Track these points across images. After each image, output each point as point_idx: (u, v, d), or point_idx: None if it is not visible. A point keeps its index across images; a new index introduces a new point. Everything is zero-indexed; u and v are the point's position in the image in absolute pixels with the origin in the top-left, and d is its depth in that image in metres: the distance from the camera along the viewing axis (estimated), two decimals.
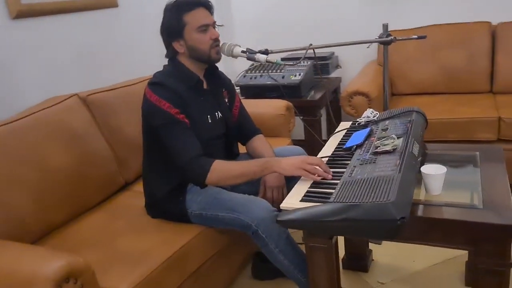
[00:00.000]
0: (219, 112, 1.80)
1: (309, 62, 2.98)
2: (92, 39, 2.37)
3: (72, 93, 2.03)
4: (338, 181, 1.41)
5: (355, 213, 1.20)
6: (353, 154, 1.59)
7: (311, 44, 1.77)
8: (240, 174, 1.57)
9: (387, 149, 1.50)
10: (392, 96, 3.14)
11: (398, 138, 1.57)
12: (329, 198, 1.32)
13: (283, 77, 2.84)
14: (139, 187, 2.09)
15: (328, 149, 1.73)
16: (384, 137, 1.62)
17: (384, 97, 2.18)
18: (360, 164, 1.46)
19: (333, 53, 3.35)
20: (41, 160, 1.72)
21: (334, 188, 1.37)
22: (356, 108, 2.76)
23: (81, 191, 1.85)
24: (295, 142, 2.42)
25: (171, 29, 1.64)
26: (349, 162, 1.55)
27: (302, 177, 1.48)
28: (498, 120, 2.48)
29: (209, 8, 1.68)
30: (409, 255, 2.10)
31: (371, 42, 2.05)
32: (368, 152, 1.55)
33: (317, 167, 1.46)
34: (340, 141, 1.78)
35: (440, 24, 3.04)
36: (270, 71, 2.94)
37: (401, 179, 1.28)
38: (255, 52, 1.63)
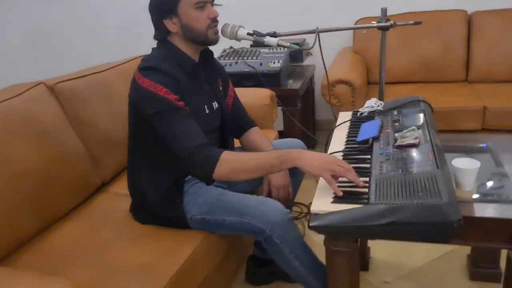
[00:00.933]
0: (215, 102, 1.61)
1: (284, 49, 2.82)
2: (47, 19, 2.06)
3: (33, 81, 1.74)
4: (367, 179, 1.28)
5: (404, 216, 1.06)
6: (370, 148, 1.46)
7: (317, 28, 1.61)
8: (255, 167, 1.35)
9: (411, 142, 1.38)
10: (369, 85, 3.06)
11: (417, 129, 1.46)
12: (364, 199, 1.18)
13: (261, 64, 2.67)
14: (118, 188, 1.85)
15: (337, 143, 1.59)
16: (403, 129, 1.51)
17: (380, 86, 2.08)
18: (387, 160, 1.33)
19: (304, 40, 3.22)
20: (5, 161, 1.44)
21: (367, 187, 1.24)
22: (338, 98, 2.66)
23: (53, 195, 1.58)
24: None
25: (163, 4, 1.41)
26: (367, 156, 1.42)
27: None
28: (483, 109, 2.47)
29: None
30: (405, 250, 2.02)
31: (370, 27, 1.92)
32: (389, 145, 1.42)
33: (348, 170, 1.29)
34: (348, 134, 1.64)
35: (415, 12, 3.00)
36: (245, 57, 2.75)
37: (443, 176, 1.16)
38: (264, 35, 1.44)
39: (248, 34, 1.46)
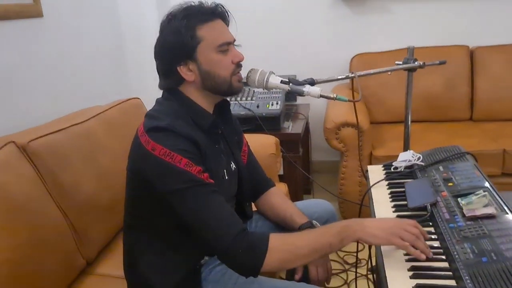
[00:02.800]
0: (233, 164, 1.31)
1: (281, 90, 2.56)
2: (8, 58, 1.72)
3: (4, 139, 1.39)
4: (446, 264, 1.01)
5: None
6: (430, 218, 1.20)
7: (352, 73, 1.36)
8: (311, 250, 1.08)
9: (489, 212, 1.13)
10: (370, 125, 2.84)
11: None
12: None
13: (258, 107, 2.40)
14: (107, 269, 1.51)
15: (381, 209, 1.32)
16: (462, 191, 1.26)
17: (405, 132, 1.84)
18: (465, 237, 1.06)
19: (295, 76, 2.99)
20: None
21: (454, 277, 0.96)
22: (344, 142, 2.41)
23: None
24: None
25: (179, 47, 1.12)
26: (431, 229, 1.16)
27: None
28: (503, 153, 2.29)
29: (227, 20, 1.20)
30: None
31: (397, 69, 1.70)
32: (456, 215, 1.16)
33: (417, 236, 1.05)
34: (391, 197, 1.38)
35: (417, 47, 2.83)
36: (239, 99, 2.48)
37: None
38: (302, 83, 1.18)
39: (283, 82, 1.19)
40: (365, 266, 2.11)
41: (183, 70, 1.15)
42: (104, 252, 1.58)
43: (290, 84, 1.19)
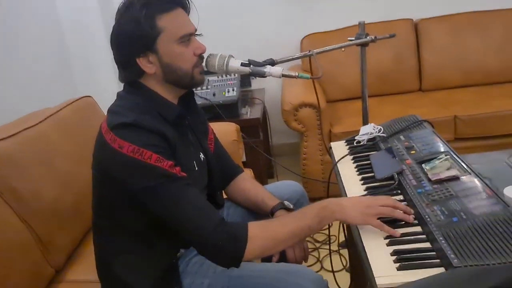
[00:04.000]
0: (201, 154, 1.29)
1: (236, 75, 2.55)
2: None
3: None
4: (419, 228, 1.04)
5: (504, 280, 0.83)
6: (399, 187, 1.24)
7: (310, 51, 1.37)
8: (290, 234, 1.08)
9: (453, 174, 1.17)
10: (326, 103, 2.88)
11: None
12: (433, 258, 0.94)
13: (214, 95, 2.37)
14: (77, 274, 1.45)
15: (350, 184, 1.34)
16: (425, 157, 1.30)
17: (363, 107, 1.88)
18: (434, 201, 1.10)
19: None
20: None
21: (428, 240, 0.99)
22: (303, 122, 2.43)
23: None
24: None
25: (138, 38, 1.07)
26: (400, 198, 1.19)
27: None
28: (454, 119, 2.38)
29: (187, 9, 1.16)
30: None
31: (351, 44, 1.72)
32: (423, 181, 1.20)
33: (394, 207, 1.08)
34: (358, 171, 1.40)
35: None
36: (195, 89, 2.43)
37: None
38: (263, 64, 1.16)
39: (243, 64, 1.17)
40: (336, 242, 2.15)
41: (142, 62, 1.10)
42: (73, 258, 1.52)
43: (251, 66, 1.17)
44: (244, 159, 2.43)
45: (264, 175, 2.53)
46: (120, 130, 1.05)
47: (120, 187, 1.06)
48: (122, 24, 1.08)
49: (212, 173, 1.34)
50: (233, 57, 1.19)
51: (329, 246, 1.78)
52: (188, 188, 1.07)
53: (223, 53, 1.19)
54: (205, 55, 1.17)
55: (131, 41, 1.08)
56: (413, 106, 2.56)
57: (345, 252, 2.09)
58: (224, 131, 2.05)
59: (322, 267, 2.06)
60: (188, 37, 1.11)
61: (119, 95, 1.17)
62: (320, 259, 2.11)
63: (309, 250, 2.19)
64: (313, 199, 2.53)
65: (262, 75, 1.18)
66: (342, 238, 2.17)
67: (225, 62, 1.18)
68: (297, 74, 1.19)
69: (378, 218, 1.05)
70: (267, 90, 2.97)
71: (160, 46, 1.09)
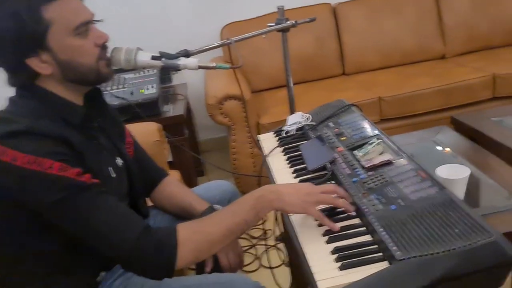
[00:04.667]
0: (119, 158, 1.14)
1: (154, 71, 2.39)
2: None
3: None
4: (358, 220, 0.98)
5: (453, 269, 0.78)
6: (332, 177, 1.17)
7: (228, 39, 1.26)
8: (226, 232, 0.97)
9: (386, 158, 1.13)
10: (252, 94, 2.80)
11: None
12: (375, 251, 0.88)
13: (132, 93, 2.20)
14: None
15: (281, 178, 1.26)
16: (356, 143, 1.25)
17: (289, 95, 1.81)
18: (370, 189, 1.04)
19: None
20: None
21: (368, 232, 0.93)
22: (229, 116, 2.33)
23: None
24: None
25: (21, 36, 0.90)
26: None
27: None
28: (378, 100, 2.39)
29: None
30: None
31: (271, 30, 1.63)
32: (356, 168, 1.14)
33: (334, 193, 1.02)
34: (289, 163, 1.33)
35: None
36: (109, 88, 2.25)
37: (458, 200, 0.92)
38: (176, 56, 1.04)
39: (154, 58, 1.04)
40: (272, 237, 2.09)
41: (34, 63, 0.93)
42: None
43: (163, 59, 1.04)
44: (170, 159, 2.30)
45: (193, 175, 2.41)
46: (10, 140, 0.88)
47: (19, 207, 0.90)
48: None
49: (133, 179, 1.20)
50: (142, 50, 1.06)
51: (265, 242, 1.70)
52: (102, 196, 0.93)
53: (130, 47, 1.05)
54: (109, 49, 1.02)
55: (14, 40, 0.90)
56: (338, 90, 2.55)
57: (283, 245, 2.03)
58: (145, 132, 1.90)
59: (260, 265, 1.98)
60: (85, 27, 0.96)
61: (11, 100, 0.99)
62: (258, 256, 2.03)
63: (245, 247, 2.11)
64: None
65: (177, 68, 1.05)
66: (278, 231, 2.11)
67: (133, 56, 1.04)
68: (215, 65, 1.08)
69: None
70: (189, 84, 2.82)
71: (52, 42, 0.92)
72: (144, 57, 1.04)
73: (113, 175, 1.07)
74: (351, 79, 2.79)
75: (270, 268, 1.64)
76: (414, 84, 2.45)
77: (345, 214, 1.01)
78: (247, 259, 2.05)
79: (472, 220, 0.84)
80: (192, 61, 1.06)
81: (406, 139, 1.57)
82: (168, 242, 0.92)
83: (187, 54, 1.07)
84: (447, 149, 1.44)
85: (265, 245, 2.08)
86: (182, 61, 1.05)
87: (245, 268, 1.98)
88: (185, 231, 0.95)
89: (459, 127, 1.68)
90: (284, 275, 1.80)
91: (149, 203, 1.37)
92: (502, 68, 2.47)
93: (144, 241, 0.91)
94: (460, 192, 1.10)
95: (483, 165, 1.26)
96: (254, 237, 2.15)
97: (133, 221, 0.94)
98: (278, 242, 2.07)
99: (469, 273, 0.78)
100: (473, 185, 1.13)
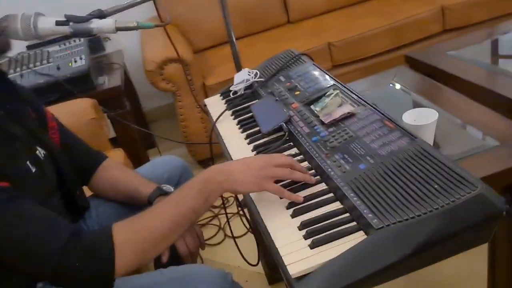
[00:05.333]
0: (40, 149, 0.97)
1: (82, 40, 2.14)
2: None
3: None
4: (324, 185, 0.87)
5: (439, 230, 0.68)
6: (290, 138, 1.05)
7: None
8: (172, 226, 0.83)
9: (348, 111, 1.01)
10: (194, 55, 2.60)
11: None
12: (347, 221, 0.77)
13: (58, 68, 1.96)
14: None
15: (234, 145, 1.12)
16: (312, 97, 1.12)
17: (233, 51, 1.64)
18: (333, 148, 0.93)
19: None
20: None
21: (337, 198, 0.82)
22: (172, 80, 2.14)
23: None
24: None
25: None
26: (294, 151, 1.00)
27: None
28: (328, 46, 2.26)
29: None
30: None
31: None
32: (315, 126, 1.02)
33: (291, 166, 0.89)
34: (240, 128, 1.19)
35: None
36: (31, 65, 1.99)
37: (433, 150, 0.81)
38: (88, 18, 0.85)
39: (59, 23, 0.84)
40: (235, 203, 1.98)
41: None
42: None
43: (71, 23, 0.85)
44: (113, 135, 2.11)
45: (142, 149, 2.23)
46: None
47: None
48: None
49: (62, 170, 1.03)
50: (43, 15, 0.86)
51: (225, 211, 1.57)
52: (14, 202, 0.77)
53: (26, 12, 0.85)
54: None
55: None
56: (285, 40, 2.41)
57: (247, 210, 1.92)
58: (78, 111, 1.70)
59: (225, 236, 1.87)
60: None
61: None
62: (222, 227, 1.92)
63: (207, 219, 1.99)
64: (203, 163, 2.33)
65: (90, 33, 0.87)
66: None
67: (32, 23, 0.84)
68: (136, 24, 0.90)
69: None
70: (125, 51, 2.58)
71: None
72: (46, 24, 0.85)
73: (33, 169, 0.89)
74: (297, 26, 2.64)
75: (233, 238, 1.52)
76: (363, 25, 2.34)
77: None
78: (211, 231, 1.94)
79: (452, 172, 0.74)
80: (107, 22, 0.87)
81: (363, 86, 1.45)
82: (102, 248, 0.78)
83: (101, 14, 0.88)
84: (408, 92, 1.34)
85: (228, 213, 1.97)
86: (95, 23, 0.86)
87: (210, 241, 1.87)
88: (122, 231, 0.81)
89: (414, 65, 1.58)
90: (251, 242, 1.70)
91: (89, 192, 1.22)
92: None
93: (73, 250, 0.76)
94: (429, 138, 1.01)
95: (448, 105, 1.17)
96: (215, 207, 2.04)
97: (57, 228, 0.78)
98: (240, 208, 1.96)
99: (455, 234, 0.69)
100: (441, 128, 1.04)
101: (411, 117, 1.00)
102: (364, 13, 2.52)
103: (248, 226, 1.84)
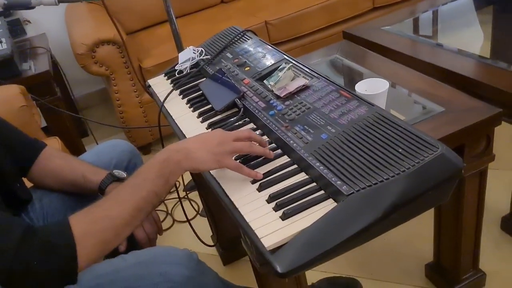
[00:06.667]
0: None
1: (0, 22, 1.97)
2: None
3: None
4: (286, 157, 0.86)
5: (408, 191, 0.70)
6: (246, 114, 1.03)
7: None
8: (133, 211, 0.79)
9: (302, 83, 1.00)
10: (128, 36, 2.49)
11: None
12: (317, 190, 0.77)
13: None
14: None
15: (187, 126, 1.08)
16: (263, 72, 1.11)
17: (173, 30, 1.58)
18: (292, 120, 0.92)
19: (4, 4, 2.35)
20: None
21: (302, 169, 0.82)
22: (105, 64, 2.03)
23: None
24: None
25: None
26: (251, 126, 0.99)
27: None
28: (265, 25, 2.25)
29: None
30: None
31: None
32: (271, 100, 1.01)
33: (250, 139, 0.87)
34: (191, 107, 1.15)
35: None
36: None
37: (392, 116, 0.84)
38: None
39: None
40: (181, 187, 1.93)
41: None
42: None
43: None
44: (44, 124, 1.96)
45: (77, 138, 2.11)
46: None
47: None
48: None
49: None
50: None
51: (178, 194, 1.52)
52: None
53: None
54: None
55: None
56: (221, 20, 2.36)
57: (193, 195, 1.88)
58: (6, 98, 1.57)
59: (174, 221, 1.83)
60: None
61: None
62: (170, 212, 1.87)
63: None
64: (142, 148, 2.24)
65: (28, 5, 0.79)
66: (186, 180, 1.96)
67: None
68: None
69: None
70: (49, 34, 2.41)
71: None
72: None
73: None
74: (231, 6, 2.60)
75: (187, 221, 1.48)
76: (297, 3, 2.34)
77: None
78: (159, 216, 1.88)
79: (413, 135, 0.76)
80: None
81: (308, 60, 1.46)
82: (61, 243, 0.73)
83: None
84: (353, 64, 1.37)
85: (178, 197, 1.91)
86: None
87: None
88: (80, 223, 0.75)
89: (352, 40, 1.62)
90: (201, 226, 1.67)
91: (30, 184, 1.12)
92: None
93: (29, 247, 0.70)
94: (382, 106, 1.03)
95: (393, 76, 1.21)
96: None
97: (7, 226, 0.71)
98: (188, 192, 1.92)
99: (422, 193, 0.71)
100: (389, 97, 1.07)
101: (363, 87, 1.02)
102: None
103: (197, 209, 1.82)
